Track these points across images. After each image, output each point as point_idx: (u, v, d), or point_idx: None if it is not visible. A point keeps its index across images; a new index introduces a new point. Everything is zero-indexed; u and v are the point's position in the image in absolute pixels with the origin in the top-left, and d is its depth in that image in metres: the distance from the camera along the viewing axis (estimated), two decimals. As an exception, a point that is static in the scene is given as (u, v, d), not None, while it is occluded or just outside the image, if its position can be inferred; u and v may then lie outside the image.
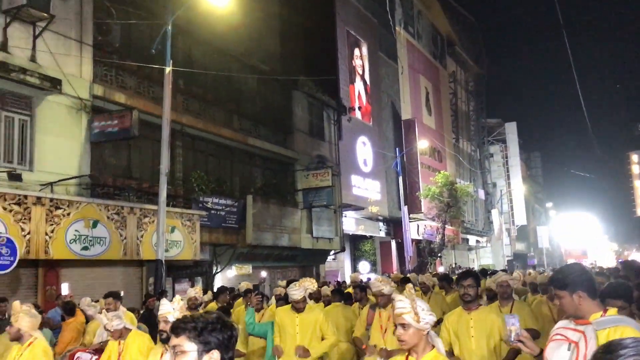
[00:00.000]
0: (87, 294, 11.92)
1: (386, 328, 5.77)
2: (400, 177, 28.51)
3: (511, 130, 57.70)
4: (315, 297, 8.92)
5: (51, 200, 11.52)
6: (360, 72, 28.85)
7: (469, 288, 4.90)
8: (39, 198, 11.27)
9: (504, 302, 6.21)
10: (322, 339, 6.01)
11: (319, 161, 23.05)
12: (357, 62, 28.54)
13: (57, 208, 11.61)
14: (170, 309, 4.30)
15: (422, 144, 32.44)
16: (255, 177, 19.93)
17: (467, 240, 44.05)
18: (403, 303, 3.22)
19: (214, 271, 17.41)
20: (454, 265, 35.57)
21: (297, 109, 22.60)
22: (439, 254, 32.00)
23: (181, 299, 4.53)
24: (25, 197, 11.01)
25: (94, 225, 12.38)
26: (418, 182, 32.47)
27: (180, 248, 14.73)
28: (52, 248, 11.44)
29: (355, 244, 28.67)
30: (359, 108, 27.97)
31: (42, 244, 11.22)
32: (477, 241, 46.86)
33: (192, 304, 7.48)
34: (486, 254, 49.27)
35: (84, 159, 12.95)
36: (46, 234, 11.33)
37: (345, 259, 27.43)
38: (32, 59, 11.88)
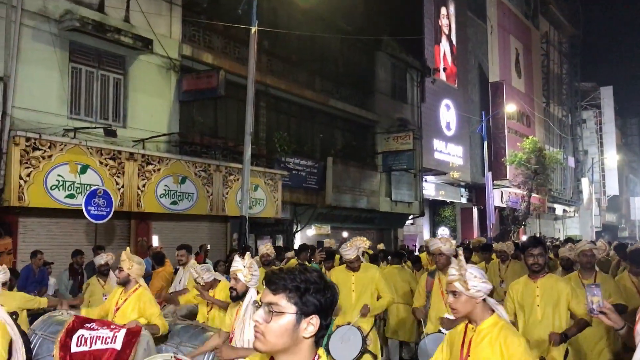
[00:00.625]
0: (175, 246, 12.57)
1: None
2: (485, 142, 27.60)
3: (607, 95, 54.12)
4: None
5: (143, 156, 12.10)
6: (447, 32, 27.89)
7: (539, 257, 4.66)
8: (131, 154, 11.87)
9: (586, 274, 5.75)
10: (378, 298, 5.85)
11: (400, 124, 22.71)
12: (443, 22, 27.58)
13: (148, 164, 12.19)
14: (241, 267, 4.22)
15: (510, 107, 31.14)
16: (336, 138, 19.97)
17: (554, 209, 42.33)
18: (453, 270, 3.10)
19: (294, 230, 17.79)
20: (538, 235, 34.37)
21: (379, 70, 22.26)
22: (523, 223, 31.01)
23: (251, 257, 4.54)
24: (119, 152, 11.63)
25: (182, 181, 12.92)
26: (504, 147, 31.34)
27: (262, 206, 15.13)
28: (144, 201, 12.07)
29: (435, 209, 28.29)
30: (444, 69, 27.15)
31: (134, 197, 11.87)
32: (565, 211, 44.95)
33: (265, 261, 7.62)
34: (573, 224, 47.21)
35: (173, 117, 13.44)
36: (138, 188, 11.95)
37: (424, 224, 27.18)
38: (126, 19, 12.34)
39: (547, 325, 4.56)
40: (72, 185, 10.68)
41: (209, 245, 12.33)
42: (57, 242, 11.01)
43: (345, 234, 19.59)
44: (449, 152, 27.01)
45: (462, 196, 29.28)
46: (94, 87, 12.01)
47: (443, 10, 27.64)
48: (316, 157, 18.32)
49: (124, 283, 5.13)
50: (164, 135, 13.01)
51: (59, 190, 10.47)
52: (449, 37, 28.03)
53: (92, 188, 10.32)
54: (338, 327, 5.62)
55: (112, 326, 4.68)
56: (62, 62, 11.17)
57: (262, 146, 16.05)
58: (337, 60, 19.97)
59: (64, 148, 10.60)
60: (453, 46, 28.34)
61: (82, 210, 9.87)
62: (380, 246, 13.49)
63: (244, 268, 4.19)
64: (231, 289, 4.25)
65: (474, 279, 2.98)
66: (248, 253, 4.53)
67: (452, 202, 28.57)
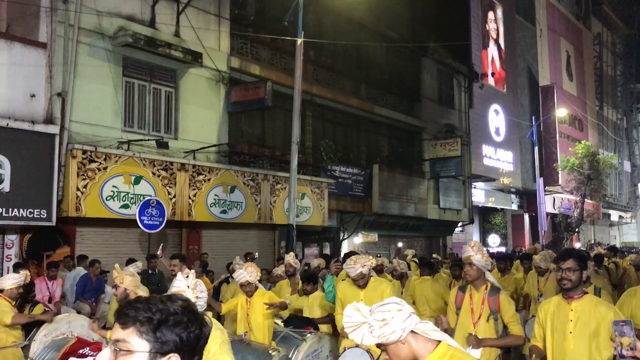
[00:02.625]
0: (224, 255, 12.81)
1: (480, 314, 4.72)
2: (536, 147, 26.95)
3: (665, 95, 51.99)
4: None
5: (194, 166, 12.39)
6: (494, 36, 27.46)
7: (569, 272, 3.78)
8: (183, 164, 12.17)
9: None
10: None
11: (448, 130, 22.45)
12: (491, 26, 27.17)
13: (199, 174, 12.47)
14: (184, 288, 3.40)
15: (561, 111, 30.33)
16: (382, 146, 19.90)
17: (609, 215, 40.89)
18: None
19: (341, 237, 17.81)
20: (592, 242, 33.27)
21: (425, 76, 22.09)
22: (577, 229, 30.08)
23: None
24: (171, 163, 11.94)
25: (232, 190, 13.15)
26: (556, 152, 30.55)
27: (309, 214, 15.22)
28: (195, 211, 12.34)
29: (485, 216, 27.80)
30: (492, 74, 26.73)
31: (185, 207, 12.16)
32: (620, 217, 43.35)
33: (288, 271, 7.31)
34: (630, 231, 45.47)
35: (223, 128, 13.72)
36: (189, 197, 12.23)
37: (474, 231, 26.72)
38: (176, 34, 12.69)
39: (580, 357, 3.76)
40: (127, 196, 11.02)
41: (256, 254, 12.47)
42: (112, 251, 11.38)
43: (400, 244, 19.64)
44: (499, 158, 26.51)
45: (512, 203, 28.65)
46: (146, 100, 12.39)
47: (490, 15, 27.22)
48: (362, 165, 18.31)
49: (125, 298, 4.96)
50: (214, 145, 13.28)
51: (113, 200, 10.83)
52: (497, 41, 27.58)
53: (146, 198, 10.63)
54: (346, 349, 5.25)
55: None
56: (116, 76, 11.58)
57: (308, 155, 16.16)
58: (383, 68, 19.94)
59: (119, 160, 10.97)
60: (501, 50, 27.87)
61: (136, 220, 10.17)
62: (436, 256, 13.39)
63: (188, 289, 3.39)
64: None
65: (379, 325, 2.22)
66: (192, 271, 3.78)
67: (502, 209, 28.01)
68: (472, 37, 24.96)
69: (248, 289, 5.94)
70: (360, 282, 5.47)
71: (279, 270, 7.61)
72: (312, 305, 6.78)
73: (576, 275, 3.78)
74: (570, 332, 3.77)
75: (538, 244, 18.51)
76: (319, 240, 17.19)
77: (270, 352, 5.33)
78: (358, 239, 18.72)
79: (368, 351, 5.04)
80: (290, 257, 7.50)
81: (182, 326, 1.47)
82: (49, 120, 10.20)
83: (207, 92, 13.40)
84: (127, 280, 4.97)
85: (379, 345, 2.30)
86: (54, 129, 10.10)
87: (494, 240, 26.18)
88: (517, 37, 29.72)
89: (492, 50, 27.14)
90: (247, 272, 5.92)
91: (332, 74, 17.44)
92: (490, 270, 5.00)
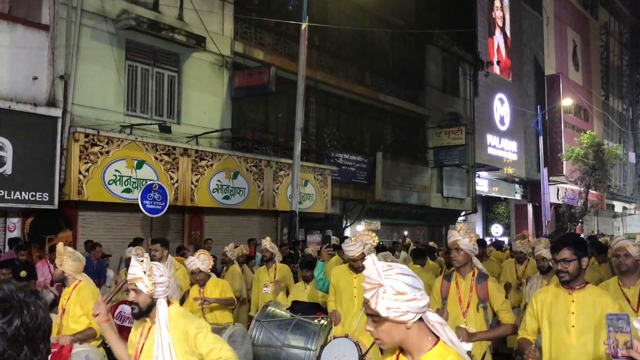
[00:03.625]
0: (227, 241, 12.77)
1: (469, 302, 4.42)
2: (541, 136, 26.84)
3: (672, 86, 51.64)
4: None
5: (196, 151, 12.33)
6: (500, 24, 27.21)
7: (564, 263, 3.41)
8: (185, 149, 12.11)
9: (627, 280, 4.27)
10: None
11: (452, 118, 22.33)
12: (497, 14, 26.92)
13: (202, 159, 12.41)
14: (140, 273, 3.10)
15: (567, 101, 30.12)
16: (386, 134, 19.80)
17: (613, 206, 40.78)
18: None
19: (343, 225, 17.77)
20: (596, 232, 33.20)
21: (430, 64, 21.92)
22: (580, 220, 30.00)
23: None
24: (174, 148, 11.88)
25: (235, 176, 13.10)
26: (560, 142, 30.38)
27: (312, 201, 15.18)
28: (197, 196, 12.30)
29: (488, 206, 27.72)
30: (498, 62, 26.52)
31: (188, 192, 12.11)
32: (624, 208, 43.22)
33: (264, 257, 7.20)
34: (634, 222, 45.29)
35: (226, 114, 13.64)
36: (192, 183, 12.19)
37: (477, 220, 26.66)
38: (180, 17, 12.58)
39: (584, 354, 3.41)
40: (129, 180, 10.98)
41: (260, 240, 12.42)
42: (114, 235, 11.36)
43: (405, 233, 19.65)
44: (503, 147, 26.38)
45: (516, 192, 28.56)
46: (149, 84, 12.31)
47: (497, 2, 26.97)
48: (365, 152, 18.23)
49: (61, 280, 4.79)
50: (217, 131, 13.21)
51: (116, 185, 10.79)
52: (502, 29, 27.34)
53: (148, 183, 10.58)
54: (334, 338, 4.89)
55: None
56: (118, 60, 11.49)
57: (312, 142, 16.09)
58: (387, 55, 19.79)
59: (121, 144, 10.91)
60: (507, 39, 27.63)
61: (138, 204, 10.13)
62: (432, 244, 13.30)
63: (144, 275, 3.09)
64: (131, 304, 3.16)
65: (393, 296, 1.90)
66: (146, 254, 3.46)
67: (506, 199, 27.92)
68: (478, 25, 24.73)
69: (199, 278, 5.69)
70: (359, 262, 4.80)
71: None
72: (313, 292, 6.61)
73: (573, 265, 3.41)
74: (573, 326, 3.43)
75: (526, 231, 18.38)
76: (322, 228, 17.15)
77: (225, 325, 5.26)
78: (361, 227, 18.67)
79: (357, 343, 4.66)
80: (266, 242, 7.23)
81: (6, 316, 1.24)
82: (51, 103, 10.14)
83: (210, 77, 13.30)
84: (68, 264, 4.64)
85: (370, 315, 1.98)
86: (56, 112, 10.04)
87: (497, 229, 26.11)
88: (523, 26, 29.46)
89: (498, 38, 26.91)
90: (199, 260, 5.63)
91: (336, 61, 17.31)
92: (478, 257, 4.88)
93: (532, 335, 3.65)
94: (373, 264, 1.97)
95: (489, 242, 15.43)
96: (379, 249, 8.52)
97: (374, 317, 1.96)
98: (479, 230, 26.27)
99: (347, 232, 17.92)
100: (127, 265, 7.26)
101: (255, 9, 14.49)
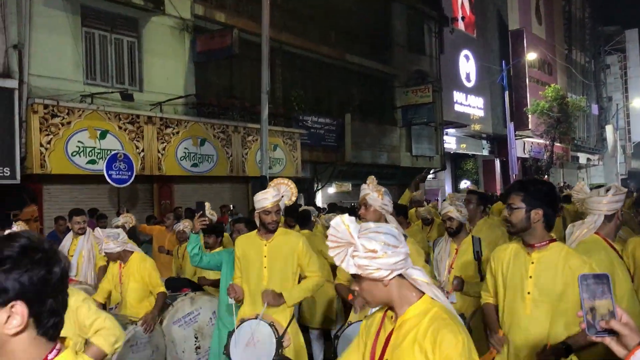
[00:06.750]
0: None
1: (452, 262, 4.45)
2: (507, 92, 27.04)
3: (632, 38, 52.32)
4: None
5: (161, 119, 12.08)
6: (464, -20, 27.03)
7: (509, 210, 2.90)
8: (150, 117, 11.85)
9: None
10: (301, 278, 4.17)
11: (419, 77, 22.29)
12: (460, -31, 26.70)
13: (167, 127, 12.18)
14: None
15: (531, 55, 30.32)
16: (353, 95, 19.69)
17: (577, 158, 41.71)
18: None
19: (315, 188, 17.79)
20: (562, 184, 34.00)
21: (395, 22, 21.73)
22: (547, 173, 30.64)
23: None
24: (138, 116, 11.61)
25: (202, 143, 12.91)
26: (526, 97, 30.74)
27: (282, 165, 15.10)
28: (165, 164, 12.11)
29: (457, 163, 28.03)
30: (462, 19, 26.43)
31: (155, 161, 11.91)
32: (588, 159, 44.27)
33: (181, 238, 6.84)
34: (597, 173, 46.55)
35: (189, 79, 13.34)
36: (158, 151, 11.97)
37: (446, 178, 26.99)
38: (136, -20, 12.12)
39: (539, 326, 2.83)
40: (93, 151, 10.73)
41: (232, 206, 12.36)
42: (82, 208, 11.12)
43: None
44: (470, 104, 26.56)
45: (483, 148, 28.93)
46: (108, 51, 11.92)
47: (460, -43, 26.72)
48: (334, 115, 18.13)
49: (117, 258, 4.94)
50: (181, 97, 12.93)
51: (79, 156, 10.53)
52: (466, -16, 27.19)
53: (113, 152, 10.36)
54: (242, 320, 3.96)
55: None
56: (74, 27, 11.07)
57: (279, 105, 15.90)
58: (352, 14, 19.50)
59: (82, 114, 10.61)
60: (471, -6, 27.51)
61: (104, 175, 9.93)
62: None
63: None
64: None
65: (364, 254, 1.89)
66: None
67: (473, 155, 28.27)
68: (441, -19, 24.52)
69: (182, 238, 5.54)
70: (273, 217, 4.00)
71: (181, 225, 6.88)
72: None
73: (517, 214, 2.85)
74: (529, 293, 2.85)
75: (419, 192, 18.27)
76: (293, 191, 17.13)
77: (127, 325, 4.56)
78: (332, 189, 18.74)
79: (271, 324, 3.88)
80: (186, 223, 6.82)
81: (21, 269, 1.26)
82: (6, 74, 9.77)
83: (171, 42, 12.95)
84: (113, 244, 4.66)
85: (354, 275, 1.96)
86: (12, 83, 9.69)
87: (465, 186, 26.51)
88: (486, -19, 29.35)
89: (462, -6, 26.77)
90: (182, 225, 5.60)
91: (300, 21, 17.00)
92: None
93: (493, 296, 3.18)
94: (343, 223, 1.92)
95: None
96: (350, 211, 8.27)
97: (355, 276, 1.96)
98: (448, 188, 26.63)
99: (319, 196, 17.96)
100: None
101: (215, -31, 14.05)
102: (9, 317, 1.25)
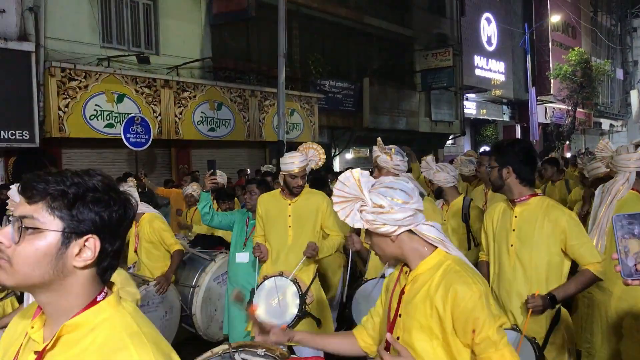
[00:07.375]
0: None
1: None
2: (529, 55, 26.44)
3: (661, 0, 50.70)
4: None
5: (178, 83, 12.01)
6: (487, -61, 26.20)
7: (488, 169, 3.20)
8: (166, 81, 11.79)
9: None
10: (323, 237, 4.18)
11: (439, 40, 21.84)
12: None
13: (184, 91, 12.11)
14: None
15: (555, 18, 29.48)
16: (372, 58, 19.38)
17: (600, 124, 40.89)
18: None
19: (332, 154, 17.69)
20: (583, 150, 33.45)
21: (416, -16, 21.21)
22: (568, 139, 30.12)
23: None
24: (154, 80, 11.55)
25: (219, 107, 12.85)
26: (548, 61, 29.99)
27: (299, 130, 15.01)
28: (182, 129, 12.10)
29: (477, 129, 27.65)
30: (484, -20, 25.71)
31: (172, 125, 11.89)
32: (611, 125, 43.39)
33: (189, 202, 7.00)
34: (621, 139, 45.60)
35: (206, 43, 13.20)
36: (175, 115, 11.95)
37: (465, 143, 26.67)
38: (151, -59, 11.92)
39: (523, 279, 2.97)
40: (110, 115, 10.73)
41: (249, 170, 12.36)
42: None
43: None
44: (491, 69, 26.02)
45: (504, 114, 28.47)
46: (124, 14, 11.82)
47: None
48: (352, 79, 17.89)
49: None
50: (197, 60, 12.82)
51: (97, 120, 10.54)
52: (489, -56, 26.36)
53: (130, 116, 10.35)
54: (266, 278, 3.98)
55: None
56: (90, -11, 10.96)
57: (296, 69, 15.72)
58: (371, -25, 19.06)
59: (99, 77, 10.58)
60: (494, -46, 26.69)
61: (121, 139, 9.94)
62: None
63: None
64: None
65: (372, 209, 1.89)
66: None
67: (494, 120, 27.85)
68: (463, -60, 23.80)
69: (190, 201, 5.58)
70: (299, 181, 3.99)
71: (190, 189, 6.99)
72: None
73: (493, 173, 3.05)
74: (512, 245, 3.00)
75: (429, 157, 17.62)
76: (310, 157, 17.06)
77: (140, 285, 4.54)
78: (350, 155, 18.62)
79: (295, 280, 3.88)
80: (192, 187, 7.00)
81: (102, 204, 1.23)
82: (22, 37, 9.73)
83: (187, 4, 12.79)
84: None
85: (366, 232, 1.96)
86: (28, 46, 9.65)
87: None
88: (510, -60, 28.42)
89: (485, -46, 25.99)
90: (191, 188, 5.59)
91: (318, -17, 16.65)
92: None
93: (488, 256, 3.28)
94: (353, 177, 1.92)
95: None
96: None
97: (367, 232, 1.98)
98: (467, 153, 26.31)
99: (336, 162, 17.87)
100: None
101: None
102: (80, 249, 1.22)
